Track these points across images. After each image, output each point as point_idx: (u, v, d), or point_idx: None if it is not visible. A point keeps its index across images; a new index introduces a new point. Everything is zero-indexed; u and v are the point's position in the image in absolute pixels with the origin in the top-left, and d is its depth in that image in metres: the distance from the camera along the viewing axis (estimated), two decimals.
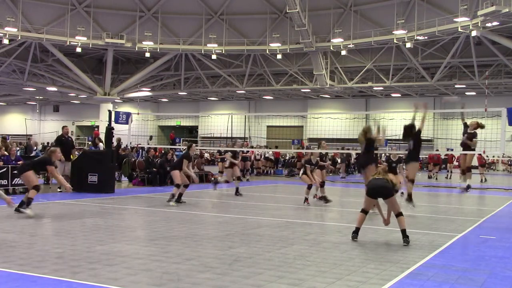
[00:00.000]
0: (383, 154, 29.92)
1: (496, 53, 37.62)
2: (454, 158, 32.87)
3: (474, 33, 33.37)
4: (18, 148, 21.94)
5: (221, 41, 43.02)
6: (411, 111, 12.35)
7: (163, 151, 22.42)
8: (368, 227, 9.87)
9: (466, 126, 12.96)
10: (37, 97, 58.92)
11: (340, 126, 45.74)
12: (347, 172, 31.98)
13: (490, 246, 8.25)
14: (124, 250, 7.00)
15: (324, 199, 13.99)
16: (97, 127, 45.27)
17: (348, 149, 33.10)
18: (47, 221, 9.92)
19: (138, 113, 19.94)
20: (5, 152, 15.21)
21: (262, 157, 30.27)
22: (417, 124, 11.99)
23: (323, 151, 14.65)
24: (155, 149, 22.47)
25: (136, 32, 43.40)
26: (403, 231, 8.05)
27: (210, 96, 56.85)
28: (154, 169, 19.23)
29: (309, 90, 48.68)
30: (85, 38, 41.49)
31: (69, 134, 17.09)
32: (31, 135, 42.10)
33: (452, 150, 41.44)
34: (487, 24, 31.71)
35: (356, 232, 8.34)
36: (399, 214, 8.19)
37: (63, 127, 16.79)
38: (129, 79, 48.44)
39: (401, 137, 13.30)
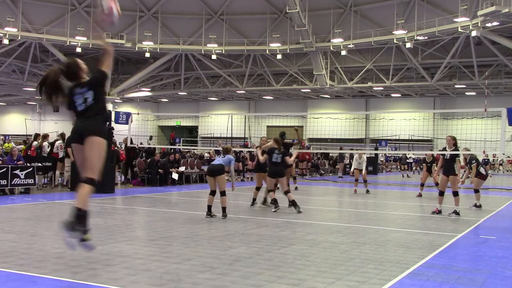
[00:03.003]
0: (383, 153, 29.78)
1: (496, 53, 37.64)
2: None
3: (474, 33, 33.37)
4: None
5: (221, 41, 43.03)
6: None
7: (165, 151, 22.37)
8: (368, 227, 9.88)
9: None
10: (37, 97, 58.83)
11: (340, 126, 45.81)
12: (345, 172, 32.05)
13: (490, 246, 8.25)
14: (124, 250, 7.00)
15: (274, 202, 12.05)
16: None
17: (348, 149, 33.12)
18: (47, 221, 9.91)
19: (138, 113, 19.96)
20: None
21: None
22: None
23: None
24: (160, 152, 22.45)
25: (136, 32, 43.41)
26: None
27: (210, 96, 56.86)
28: (160, 170, 19.01)
29: (309, 90, 48.68)
30: (85, 38, 41.49)
31: None
32: (31, 135, 42.03)
33: None
34: (487, 24, 31.72)
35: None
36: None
37: None
38: (129, 79, 48.44)
39: (400, 138, 13.73)
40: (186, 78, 51.24)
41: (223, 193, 10.55)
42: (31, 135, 41.83)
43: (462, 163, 11.92)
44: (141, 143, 21.64)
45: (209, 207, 10.61)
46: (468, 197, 16.41)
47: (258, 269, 6.13)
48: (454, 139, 12.14)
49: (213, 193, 10.60)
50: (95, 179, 5.25)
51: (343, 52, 40.35)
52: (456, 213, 11.72)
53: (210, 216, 10.50)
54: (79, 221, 5.34)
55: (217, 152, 21.69)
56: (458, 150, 12.35)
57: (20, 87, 49.78)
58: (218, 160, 10.87)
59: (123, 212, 11.49)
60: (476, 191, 13.81)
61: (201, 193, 16.58)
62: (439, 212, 12.04)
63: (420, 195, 16.82)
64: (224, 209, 10.55)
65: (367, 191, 17.97)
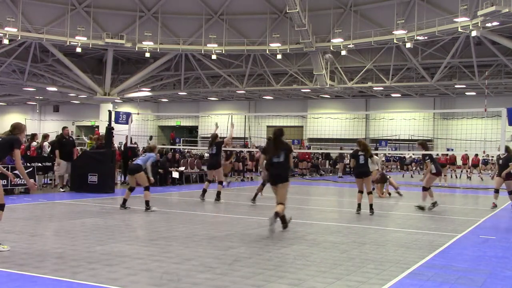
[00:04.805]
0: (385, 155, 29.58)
1: (496, 53, 37.60)
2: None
3: (474, 33, 33.34)
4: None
5: (221, 41, 43.01)
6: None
7: (164, 151, 22.35)
8: (368, 227, 9.88)
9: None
10: (37, 97, 58.92)
11: (340, 126, 45.81)
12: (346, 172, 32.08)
13: (490, 246, 8.25)
14: (124, 250, 7.00)
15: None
16: (97, 127, 45.32)
17: (348, 149, 33.10)
18: (47, 221, 9.92)
19: (138, 113, 19.94)
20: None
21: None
22: None
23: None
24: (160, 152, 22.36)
25: (136, 32, 43.38)
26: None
27: (210, 96, 56.84)
28: (159, 170, 18.88)
29: (309, 90, 48.66)
30: (85, 38, 41.46)
31: (70, 135, 17.18)
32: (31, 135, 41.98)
33: (452, 150, 41.45)
34: (487, 24, 31.69)
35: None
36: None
37: (64, 128, 16.81)
38: (129, 79, 48.41)
39: (400, 138, 14.14)
40: (186, 78, 51.23)
41: (146, 188, 11.62)
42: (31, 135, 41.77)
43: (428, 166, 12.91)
44: (134, 143, 21.23)
45: (125, 200, 11.66)
46: (488, 198, 16.45)
47: (258, 269, 6.13)
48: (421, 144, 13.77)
49: (131, 189, 11.77)
50: (284, 204, 8.89)
51: (343, 52, 40.31)
52: (433, 204, 12.61)
53: (124, 208, 11.53)
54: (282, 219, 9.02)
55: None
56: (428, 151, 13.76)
57: (20, 87, 49.76)
58: (137, 161, 12.09)
59: (123, 212, 11.49)
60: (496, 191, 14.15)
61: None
62: (422, 208, 12.73)
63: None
64: (147, 202, 11.48)
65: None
